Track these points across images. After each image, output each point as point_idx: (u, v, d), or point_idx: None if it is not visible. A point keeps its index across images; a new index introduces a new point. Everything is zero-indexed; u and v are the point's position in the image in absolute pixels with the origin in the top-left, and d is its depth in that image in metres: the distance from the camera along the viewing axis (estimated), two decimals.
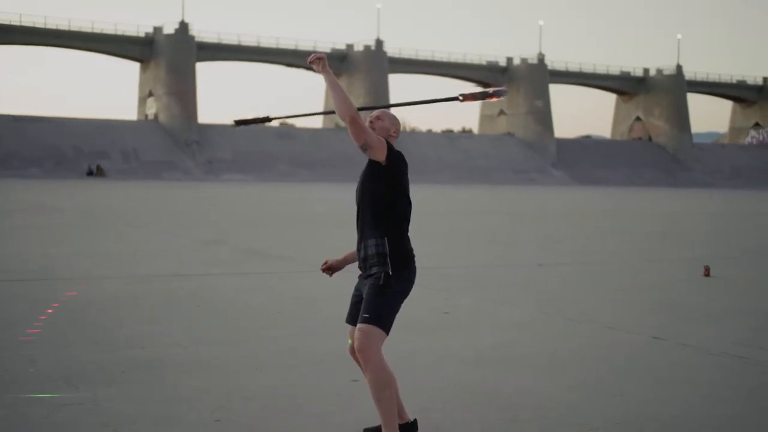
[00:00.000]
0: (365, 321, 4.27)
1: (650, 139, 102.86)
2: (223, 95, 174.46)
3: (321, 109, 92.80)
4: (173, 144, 77.99)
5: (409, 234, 4.38)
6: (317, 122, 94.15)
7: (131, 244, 15.33)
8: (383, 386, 4.23)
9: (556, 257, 14.80)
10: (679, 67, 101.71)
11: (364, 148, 4.15)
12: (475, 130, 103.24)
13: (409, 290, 4.41)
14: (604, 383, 6.04)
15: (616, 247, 17.04)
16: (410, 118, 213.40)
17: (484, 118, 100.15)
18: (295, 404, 5.20)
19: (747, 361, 6.84)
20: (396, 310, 4.35)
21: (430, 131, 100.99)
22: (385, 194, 4.31)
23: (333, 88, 4.11)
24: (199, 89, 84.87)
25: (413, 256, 4.41)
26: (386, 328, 4.30)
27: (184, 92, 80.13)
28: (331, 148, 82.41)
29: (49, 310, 8.40)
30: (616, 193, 58.59)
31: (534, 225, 23.68)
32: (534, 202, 41.25)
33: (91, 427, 4.80)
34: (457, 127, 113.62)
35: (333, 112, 4.47)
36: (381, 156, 4.22)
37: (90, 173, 70.46)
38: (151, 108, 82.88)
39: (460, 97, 4.46)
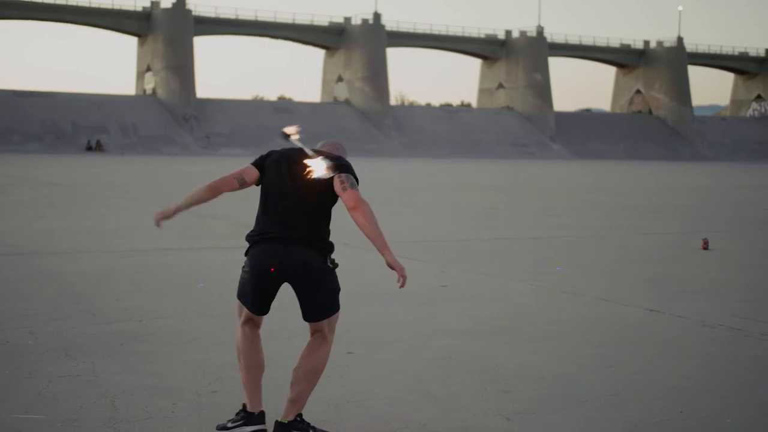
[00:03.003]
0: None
1: (650, 112, 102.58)
2: (221, 69, 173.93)
3: (319, 85, 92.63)
4: (171, 119, 77.82)
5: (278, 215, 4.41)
6: (316, 96, 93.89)
7: (127, 218, 15.35)
8: (237, 355, 4.52)
9: (553, 231, 14.83)
10: (680, 39, 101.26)
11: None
12: (474, 104, 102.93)
13: (254, 269, 4.38)
14: (598, 355, 6.08)
15: (614, 221, 17.07)
16: (408, 92, 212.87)
17: (482, 92, 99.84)
18: (289, 376, 5.24)
19: (742, 333, 6.89)
20: (245, 285, 4.43)
21: (428, 105, 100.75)
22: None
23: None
24: (197, 63, 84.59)
25: (259, 239, 4.43)
26: (241, 300, 4.49)
27: (181, 67, 79.83)
28: (330, 122, 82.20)
29: (46, 284, 8.44)
30: (615, 167, 58.58)
31: (531, 199, 23.70)
32: (532, 175, 41.24)
33: (89, 398, 4.84)
34: (455, 101, 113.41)
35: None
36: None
37: (89, 148, 70.39)
38: (150, 83, 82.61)
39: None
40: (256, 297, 4.39)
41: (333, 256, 4.42)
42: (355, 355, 5.85)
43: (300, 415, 4.35)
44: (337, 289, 4.42)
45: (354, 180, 4.37)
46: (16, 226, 13.74)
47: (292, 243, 4.31)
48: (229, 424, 4.37)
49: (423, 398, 5.00)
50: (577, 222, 16.61)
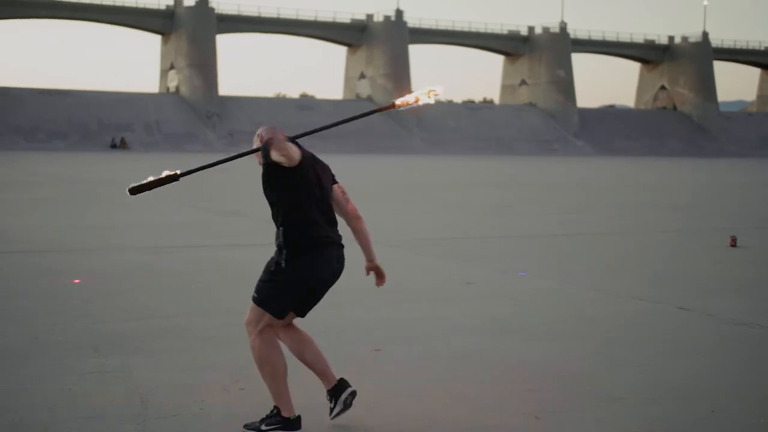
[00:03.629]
0: (253, 299, 4.41)
1: (675, 108, 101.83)
2: (243, 67, 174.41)
3: (342, 82, 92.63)
4: (195, 116, 78.12)
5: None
6: (338, 93, 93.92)
7: (152, 216, 15.41)
8: (258, 364, 4.38)
9: (576, 228, 14.75)
10: (705, 34, 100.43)
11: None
12: (497, 100, 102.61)
13: (311, 279, 4.33)
14: (626, 354, 6.03)
15: (639, 218, 16.95)
16: None
17: (505, 89, 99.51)
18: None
19: None
20: (288, 295, 4.32)
21: (450, 102, 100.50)
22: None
23: None
24: (220, 61, 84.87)
25: (319, 243, 4.34)
26: (272, 311, 4.32)
27: (204, 64, 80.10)
28: (352, 121, 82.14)
29: (76, 280, 8.49)
30: (640, 163, 58.23)
31: (554, 196, 23.58)
32: (556, 172, 41.06)
33: (118, 394, 4.86)
34: (478, 98, 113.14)
35: (245, 155, 4.44)
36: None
37: (114, 146, 70.78)
38: (173, 80, 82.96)
39: (397, 103, 4.43)
40: (313, 303, 4.41)
41: None
42: (382, 353, 5.84)
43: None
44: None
45: None
46: (42, 223, 13.83)
47: (341, 247, 4.44)
48: (263, 427, 4.33)
49: (452, 396, 4.98)
50: (601, 219, 16.52)
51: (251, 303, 4.39)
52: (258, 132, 4.50)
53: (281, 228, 4.31)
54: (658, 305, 7.77)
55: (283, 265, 4.29)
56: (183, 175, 4.40)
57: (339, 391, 4.43)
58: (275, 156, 4.08)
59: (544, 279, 9.20)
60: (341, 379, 4.49)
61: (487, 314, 7.25)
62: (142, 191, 4.38)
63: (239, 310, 7.23)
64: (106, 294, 7.86)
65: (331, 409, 4.46)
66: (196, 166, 4.57)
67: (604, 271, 9.80)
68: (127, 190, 4.41)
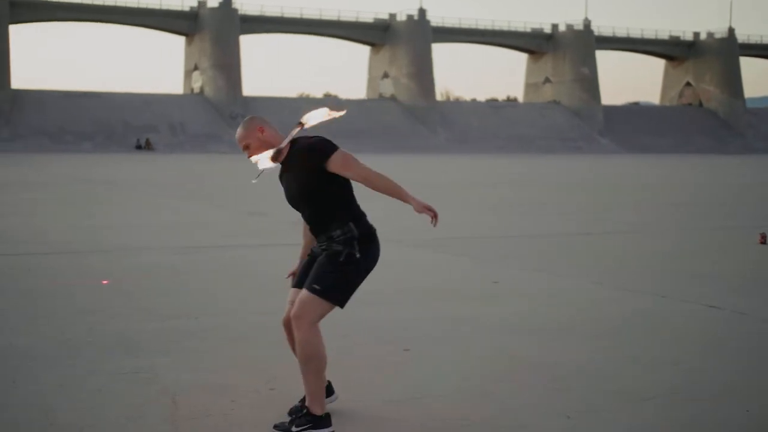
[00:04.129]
0: (313, 291, 4.27)
1: (701, 104, 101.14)
2: (267, 67, 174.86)
3: (365, 82, 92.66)
4: (218, 117, 78.52)
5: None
6: (361, 93, 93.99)
7: (177, 216, 15.49)
8: (307, 359, 4.29)
9: (604, 226, 14.68)
10: (731, 30, 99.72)
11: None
12: (520, 98, 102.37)
13: (371, 267, 4.43)
14: (657, 353, 5.99)
15: (667, 216, 16.85)
16: (454, 88, 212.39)
17: (529, 87, 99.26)
18: (347, 374, 5.23)
19: None
20: (354, 285, 4.36)
21: (474, 100, 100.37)
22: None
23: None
24: (243, 62, 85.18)
25: (374, 231, 4.45)
26: (337, 301, 4.31)
27: (228, 65, 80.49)
28: (375, 119, 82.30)
29: (104, 281, 8.54)
30: (666, 161, 57.87)
31: (580, 194, 23.49)
32: (581, 171, 40.90)
33: (150, 395, 4.88)
34: (501, 96, 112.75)
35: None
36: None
37: (139, 147, 71.26)
38: (197, 81, 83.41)
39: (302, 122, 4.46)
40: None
41: None
42: (411, 353, 5.84)
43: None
44: None
45: None
46: (69, 224, 13.93)
47: None
48: (294, 428, 4.31)
49: (481, 396, 4.97)
50: (629, 217, 16.43)
51: (304, 296, 4.29)
52: (242, 122, 4.48)
53: (350, 222, 4.32)
54: (687, 304, 7.72)
55: (358, 255, 4.30)
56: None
57: (319, 423, 4.35)
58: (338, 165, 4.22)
59: (571, 278, 9.16)
60: (329, 383, 4.59)
61: (514, 313, 7.23)
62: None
63: (267, 310, 7.27)
64: (134, 294, 7.91)
65: (296, 428, 4.38)
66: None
67: (631, 270, 9.74)
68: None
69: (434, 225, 4.31)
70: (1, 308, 7.26)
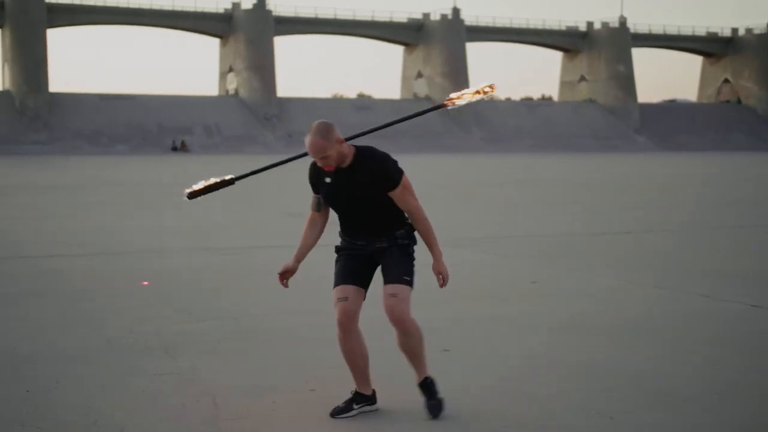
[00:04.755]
0: (406, 282, 4.58)
1: (739, 101, 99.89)
2: (300, 68, 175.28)
3: (399, 82, 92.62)
4: (254, 118, 78.81)
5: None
6: (395, 93, 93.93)
7: (215, 217, 15.57)
8: (419, 341, 4.63)
9: (641, 225, 14.55)
10: None
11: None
12: (555, 97, 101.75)
13: None
14: (698, 353, 5.93)
15: (705, 214, 16.68)
16: None
17: (564, 85, 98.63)
18: (387, 374, 5.23)
19: None
20: None
21: (508, 99, 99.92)
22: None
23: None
24: (278, 63, 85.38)
25: None
26: (413, 285, 4.70)
27: (263, 66, 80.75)
28: (410, 119, 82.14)
29: (144, 282, 8.60)
30: (703, 159, 57.28)
31: (619, 192, 23.31)
32: (617, 169, 40.60)
33: (190, 396, 4.91)
34: (536, 95, 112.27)
35: (299, 157, 4.79)
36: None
37: (174, 149, 71.73)
38: (232, 83, 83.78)
39: (448, 103, 4.79)
40: None
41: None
42: (450, 353, 5.82)
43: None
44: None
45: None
46: (111, 227, 14.05)
47: None
48: (355, 406, 4.58)
49: (520, 396, 4.94)
50: (666, 216, 16.27)
51: (399, 289, 4.55)
52: (317, 130, 4.46)
53: (408, 225, 4.66)
54: (728, 303, 7.63)
55: (414, 252, 4.68)
56: (238, 179, 4.69)
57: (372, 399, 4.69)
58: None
59: (609, 277, 9.08)
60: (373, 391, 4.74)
61: (553, 313, 7.19)
62: (199, 195, 4.72)
63: (305, 310, 7.28)
64: (173, 296, 7.96)
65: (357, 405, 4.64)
66: (249, 171, 4.88)
67: (669, 269, 9.64)
68: (185, 194, 4.75)
69: (441, 286, 4.67)
70: (41, 310, 7.35)
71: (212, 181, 4.73)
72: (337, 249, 4.77)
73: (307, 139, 4.43)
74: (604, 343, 6.18)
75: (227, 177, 4.71)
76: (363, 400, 4.65)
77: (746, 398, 4.92)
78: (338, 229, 4.78)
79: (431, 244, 4.63)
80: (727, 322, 6.88)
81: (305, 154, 4.58)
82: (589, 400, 4.87)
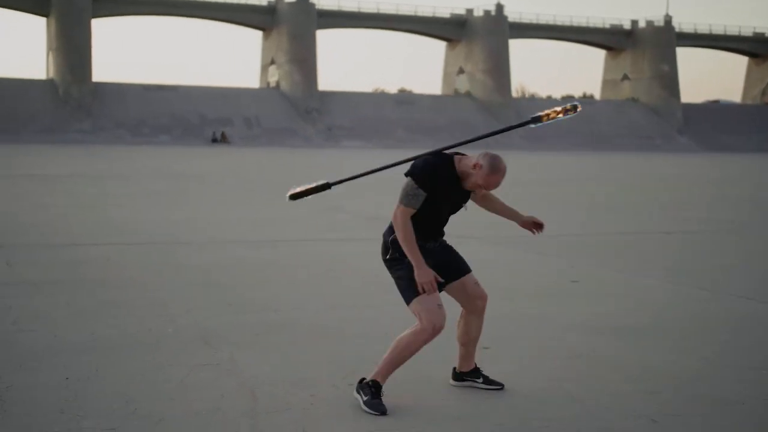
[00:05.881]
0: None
1: None
2: (342, 62, 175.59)
3: (440, 77, 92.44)
4: (294, 111, 79.10)
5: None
6: (436, 88, 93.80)
7: (253, 210, 15.62)
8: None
9: (684, 225, 14.37)
10: None
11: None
12: (597, 95, 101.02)
13: None
14: (742, 356, 5.82)
15: (748, 216, 16.43)
16: (528, 84, 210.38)
17: (606, 84, 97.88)
18: (425, 370, 5.19)
19: None
20: None
21: (549, 97, 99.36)
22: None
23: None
24: (320, 57, 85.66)
25: None
26: None
27: (304, 60, 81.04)
28: (450, 115, 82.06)
29: (182, 274, 8.64)
30: (747, 160, 56.51)
31: (658, 192, 23.06)
32: (659, 169, 40.19)
33: (229, 388, 4.91)
34: (577, 93, 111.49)
35: (402, 163, 4.90)
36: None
37: (214, 140, 72.23)
38: (273, 76, 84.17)
39: (533, 124, 4.91)
40: None
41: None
42: (490, 351, 5.76)
43: (367, 380, 4.64)
44: (401, 278, 4.62)
45: (406, 190, 4.54)
46: (155, 217, 14.15)
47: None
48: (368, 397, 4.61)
49: (562, 397, 4.88)
50: (709, 216, 16.06)
51: (474, 277, 4.92)
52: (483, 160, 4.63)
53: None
54: None
55: None
56: (334, 184, 4.87)
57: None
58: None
59: (650, 277, 8.97)
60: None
61: (595, 313, 7.10)
62: (300, 197, 4.92)
63: (345, 304, 7.27)
64: (213, 287, 7.97)
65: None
66: (347, 177, 5.05)
67: (712, 270, 9.50)
68: (287, 196, 4.95)
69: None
70: (84, 298, 7.40)
71: (312, 185, 4.89)
72: (402, 254, 4.62)
73: (496, 178, 4.61)
74: (648, 343, 6.09)
75: (324, 182, 4.88)
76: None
77: None
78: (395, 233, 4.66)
79: (509, 213, 5.31)
80: None
81: (404, 161, 4.80)
82: (632, 402, 4.79)
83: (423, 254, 4.60)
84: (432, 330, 4.53)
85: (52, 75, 75.39)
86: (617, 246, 11.60)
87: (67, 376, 5.06)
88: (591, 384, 5.12)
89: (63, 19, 73.94)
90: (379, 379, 4.63)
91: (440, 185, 4.58)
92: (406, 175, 4.57)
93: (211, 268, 9.08)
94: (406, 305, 4.66)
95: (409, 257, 4.52)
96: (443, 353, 5.36)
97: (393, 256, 4.64)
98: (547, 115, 4.88)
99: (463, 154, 4.70)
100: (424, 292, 4.52)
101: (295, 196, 4.91)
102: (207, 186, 22.11)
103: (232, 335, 6.10)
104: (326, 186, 4.87)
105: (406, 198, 4.52)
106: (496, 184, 4.64)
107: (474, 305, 4.90)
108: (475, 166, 4.59)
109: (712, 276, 9.09)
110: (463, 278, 4.84)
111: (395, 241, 4.61)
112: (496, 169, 4.59)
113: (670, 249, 11.36)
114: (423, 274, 4.51)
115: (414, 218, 4.57)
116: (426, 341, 4.59)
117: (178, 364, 5.33)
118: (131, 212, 14.73)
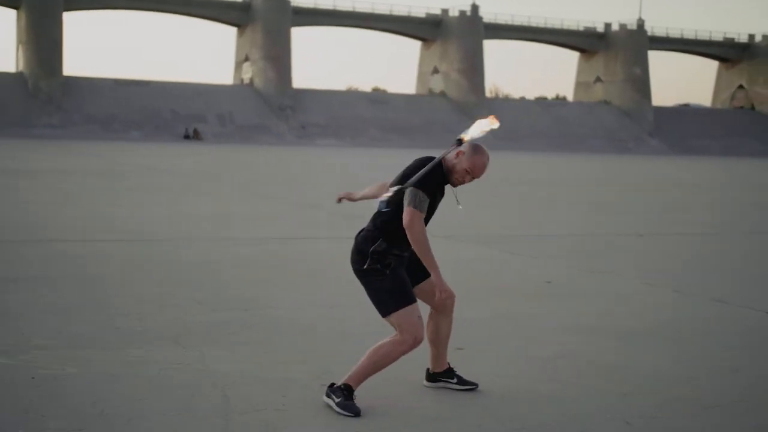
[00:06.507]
0: None
1: (753, 108, 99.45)
2: (317, 60, 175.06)
3: (415, 77, 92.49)
4: (268, 108, 78.71)
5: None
6: (410, 88, 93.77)
7: (228, 207, 15.49)
8: None
9: (659, 227, 14.41)
10: None
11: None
12: (570, 97, 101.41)
13: None
14: (719, 359, 5.81)
15: (719, 219, 16.52)
16: (503, 85, 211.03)
17: (579, 86, 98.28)
18: (399, 371, 5.13)
19: None
20: None
21: (523, 98, 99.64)
22: None
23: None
24: (294, 54, 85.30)
25: None
26: None
27: (279, 57, 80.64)
28: (424, 115, 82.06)
29: (155, 271, 8.52)
30: (716, 163, 57.01)
31: (631, 194, 23.15)
32: (631, 171, 40.41)
33: (200, 388, 4.81)
34: (550, 95, 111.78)
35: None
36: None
37: (187, 136, 71.71)
38: (247, 72, 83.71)
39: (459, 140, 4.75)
40: None
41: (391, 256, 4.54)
42: (465, 352, 5.71)
43: (339, 384, 4.55)
44: (380, 290, 4.52)
45: (417, 196, 4.43)
46: (124, 213, 13.98)
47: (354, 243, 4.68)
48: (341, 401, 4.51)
49: (539, 398, 4.83)
50: (685, 218, 16.12)
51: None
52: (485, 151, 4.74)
53: None
54: (746, 309, 7.50)
55: None
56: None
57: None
58: None
59: (625, 279, 8.96)
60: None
61: (570, 314, 7.07)
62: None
63: (318, 303, 7.19)
64: (183, 284, 7.87)
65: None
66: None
67: (686, 272, 9.52)
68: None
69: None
70: (52, 295, 7.27)
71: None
72: (387, 263, 4.53)
73: (480, 159, 4.62)
74: (624, 346, 6.07)
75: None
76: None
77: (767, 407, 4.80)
78: (379, 242, 4.55)
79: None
80: (746, 329, 6.76)
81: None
82: (607, 404, 4.76)
83: (398, 264, 4.57)
84: (413, 342, 4.49)
85: (21, 68, 74.51)
86: (590, 247, 11.60)
87: (33, 376, 4.95)
88: (566, 385, 5.08)
89: (34, 11, 73.05)
90: (351, 384, 4.55)
91: (437, 189, 4.57)
92: (414, 186, 4.45)
93: (182, 265, 8.96)
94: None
95: (429, 267, 4.47)
96: (416, 354, 5.27)
97: (372, 267, 4.52)
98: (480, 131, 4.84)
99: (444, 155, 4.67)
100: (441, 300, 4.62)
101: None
102: (180, 182, 21.91)
103: (203, 334, 6.00)
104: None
105: (420, 204, 4.44)
106: (482, 166, 4.63)
107: (443, 304, 4.84)
108: (458, 154, 4.60)
109: (686, 278, 9.10)
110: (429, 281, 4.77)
111: (376, 252, 4.50)
112: (479, 150, 4.63)
113: (643, 251, 11.38)
114: (446, 287, 4.63)
115: (401, 226, 4.49)
116: (405, 352, 4.54)
117: (147, 363, 5.23)
118: (103, 208, 14.54)
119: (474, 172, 4.62)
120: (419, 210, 4.42)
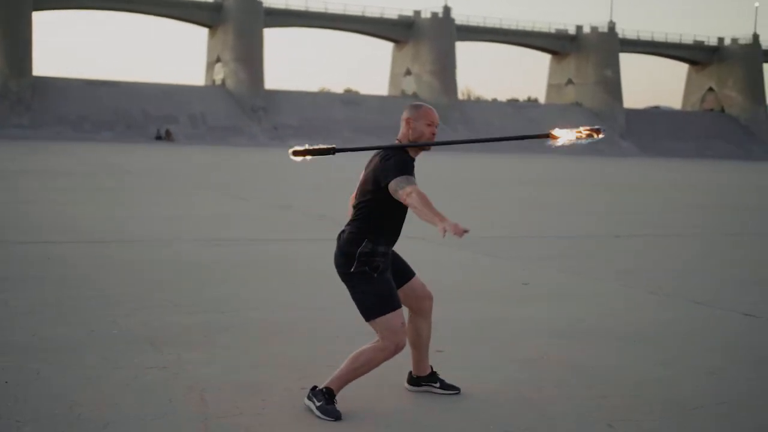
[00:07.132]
0: None
1: (722, 110, 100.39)
2: (290, 61, 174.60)
3: (387, 78, 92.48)
4: (240, 110, 78.40)
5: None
6: (383, 89, 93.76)
7: (203, 208, 15.37)
8: None
9: (632, 229, 14.46)
10: (755, 36, 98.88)
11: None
12: (542, 99, 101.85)
13: None
14: (697, 360, 5.81)
15: (694, 220, 16.61)
16: (475, 87, 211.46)
17: (551, 88, 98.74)
18: (380, 375, 5.08)
19: None
20: None
21: (495, 100, 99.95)
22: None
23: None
24: (266, 55, 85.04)
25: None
26: None
27: (251, 58, 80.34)
28: (397, 116, 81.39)
29: (129, 273, 8.41)
30: (687, 166, 57.45)
31: (606, 195, 23.25)
32: (602, 173, 40.62)
33: (178, 392, 4.74)
34: (522, 97, 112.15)
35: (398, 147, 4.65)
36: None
37: (159, 137, 71.26)
38: (219, 74, 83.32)
39: (551, 139, 5.05)
40: None
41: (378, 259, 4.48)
42: (444, 354, 5.67)
43: (321, 388, 4.50)
44: (366, 293, 4.44)
45: (402, 179, 4.35)
46: (98, 214, 13.83)
47: (338, 238, 4.60)
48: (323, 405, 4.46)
49: (519, 401, 4.81)
50: (656, 220, 16.19)
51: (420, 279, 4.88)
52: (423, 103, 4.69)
53: None
54: (724, 311, 7.52)
55: None
56: (340, 151, 4.68)
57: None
58: None
59: (602, 281, 8.97)
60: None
61: (548, 316, 7.06)
62: (303, 156, 4.71)
63: (295, 305, 7.12)
64: (159, 286, 7.78)
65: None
66: (352, 147, 4.91)
67: (664, 274, 9.53)
68: (289, 152, 4.70)
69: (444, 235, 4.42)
70: (26, 297, 7.15)
71: (318, 146, 4.72)
72: (375, 264, 4.46)
73: (424, 108, 4.60)
74: (601, 348, 6.05)
75: (331, 146, 4.73)
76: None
77: (751, 409, 4.80)
78: (365, 243, 4.47)
79: None
80: (723, 330, 6.77)
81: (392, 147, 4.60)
82: (588, 407, 4.74)
83: (385, 267, 4.51)
84: (394, 349, 4.45)
85: None
86: (567, 248, 11.61)
87: (7, 380, 4.86)
88: (547, 388, 5.06)
89: (2, 11, 72.26)
90: (333, 388, 4.50)
91: (413, 172, 4.50)
92: (395, 174, 4.35)
93: (158, 266, 8.87)
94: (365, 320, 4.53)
95: (430, 217, 4.25)
96: (398, 358, 5.24)
97: (359, 269, 4.44)
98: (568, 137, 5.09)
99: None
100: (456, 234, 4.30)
101: (298, 153, 4.72)
102: (153, 183, 21.73)
103: (180, 337, 5.93)
104: (331, 150, 4.68)
105: (411, 178, 4.37)
106: (431, 112, 4.63)
107: (422, 307, 4.81)
108: (407, 124, 4.60)
109: (664, 280, 9.12)
110: (411, 281, 4.76)
111: (363, 254, 4.43)
112: (418, 105, 4.65)
113: (621, 252, 11.40)
114: (450, 223, 4.28)
115: (383, 219, 4.47)
116: (386, 359, 4.50)
117: (123, 367, 5.15)
118: (74, 209, 14.38)
119: (432, 120, 4.61)
120: (413, 183, 4.34)
